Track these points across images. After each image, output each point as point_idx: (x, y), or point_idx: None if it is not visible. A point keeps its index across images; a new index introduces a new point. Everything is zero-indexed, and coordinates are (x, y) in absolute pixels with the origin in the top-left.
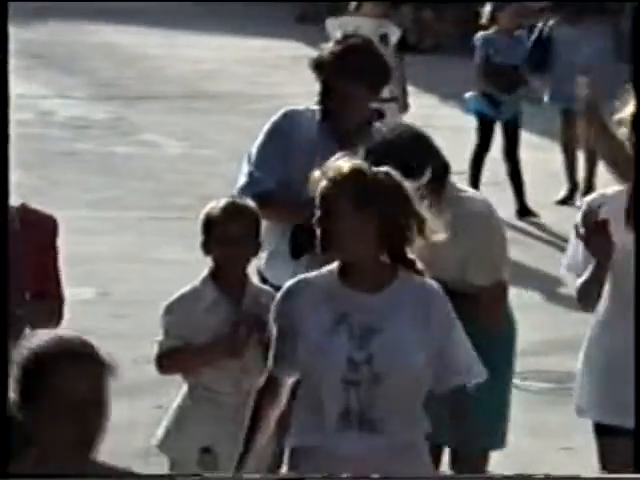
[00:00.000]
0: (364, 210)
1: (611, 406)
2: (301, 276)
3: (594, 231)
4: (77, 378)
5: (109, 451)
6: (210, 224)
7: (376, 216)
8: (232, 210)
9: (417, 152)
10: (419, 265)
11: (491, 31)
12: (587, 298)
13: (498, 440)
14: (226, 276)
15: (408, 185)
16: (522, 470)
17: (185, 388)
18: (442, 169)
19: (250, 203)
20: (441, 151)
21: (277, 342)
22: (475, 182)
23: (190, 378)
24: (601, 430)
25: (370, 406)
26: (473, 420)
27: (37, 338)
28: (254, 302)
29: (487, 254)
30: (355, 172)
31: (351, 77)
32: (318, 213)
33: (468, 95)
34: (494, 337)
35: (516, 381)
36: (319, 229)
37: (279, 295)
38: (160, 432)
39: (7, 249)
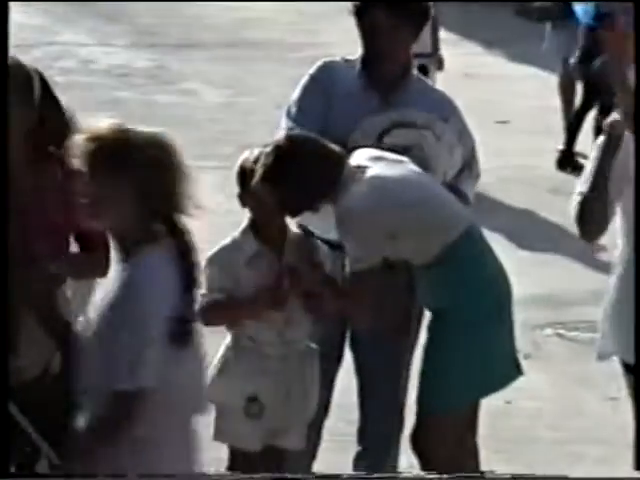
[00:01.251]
0: (118, 175)
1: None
2: None
3: None
4: None
5: None
6: (244, 176)
7: (132, 182)
8: None
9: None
10: (188, 237)
11: None
12: (588, 217)
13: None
14: (265, 227)
15: (176, 154)
16: (568, 420)
17: (228, 338)
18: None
19: None
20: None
21: None
22: (572, 137)
23: (233, 329)
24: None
25: None
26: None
27: None
28: (295, 252)
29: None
30: (112, 133)
31: (393, 19)
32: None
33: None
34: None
35: (562, 332)
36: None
37: None
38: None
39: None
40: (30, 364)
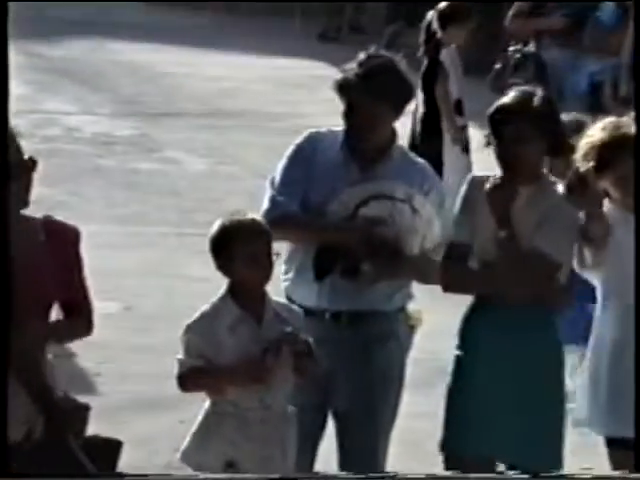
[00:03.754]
0: None
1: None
2: None
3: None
4: None
5: (131, 465)
6: (232, 243)
7: None
8: (256, 228)
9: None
10: None
11: None
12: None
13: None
14: (247, 294)
15: None
16: None
17: (208, 403)
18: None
19: (263, 221)
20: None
21: None
22: None
23: (215, 395)
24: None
25: None
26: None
27: None
28: (275, 317)
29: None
30: None
31: (376, 97)
32: None
33: None
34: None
35: None
36: None
37: None
38: (184, 445)
39: (9, 255)
40: (12, 428)
